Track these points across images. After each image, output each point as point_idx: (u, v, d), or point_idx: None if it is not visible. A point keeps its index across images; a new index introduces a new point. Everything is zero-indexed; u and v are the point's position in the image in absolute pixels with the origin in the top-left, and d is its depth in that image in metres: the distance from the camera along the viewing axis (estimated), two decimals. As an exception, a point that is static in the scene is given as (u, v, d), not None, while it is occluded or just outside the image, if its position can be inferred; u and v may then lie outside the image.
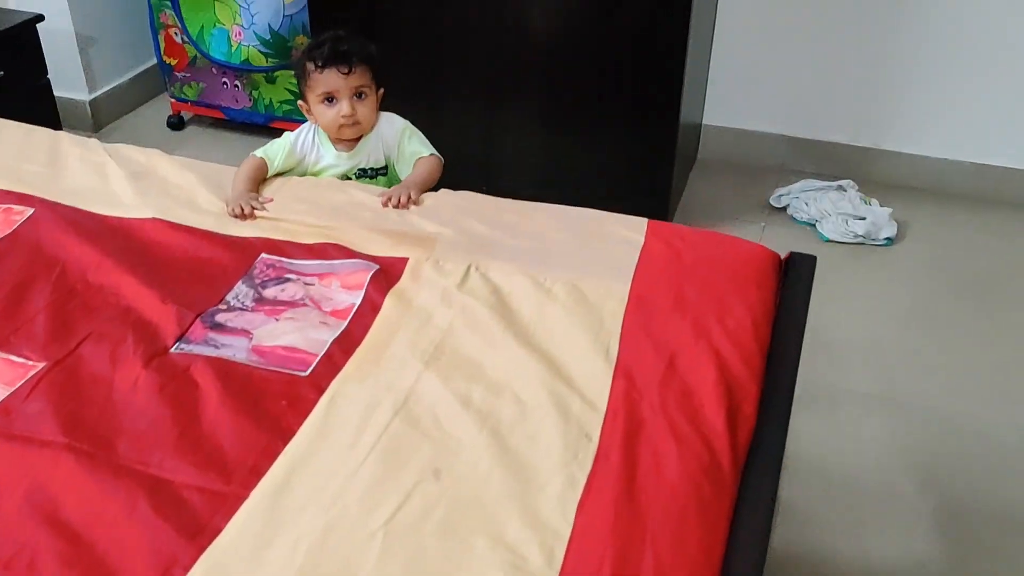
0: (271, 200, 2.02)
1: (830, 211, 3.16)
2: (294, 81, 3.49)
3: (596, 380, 1.49)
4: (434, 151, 2.18)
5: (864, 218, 3.11)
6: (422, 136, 2.22)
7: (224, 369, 1.54)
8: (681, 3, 2.69)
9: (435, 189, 2.10)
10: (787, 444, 1.43)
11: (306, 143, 2.20)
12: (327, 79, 2.08)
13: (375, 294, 1.72)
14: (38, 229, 1.96)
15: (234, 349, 1.60)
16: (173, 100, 3.71)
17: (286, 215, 1.97)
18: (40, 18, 3.00)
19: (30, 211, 2.02)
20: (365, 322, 1.66)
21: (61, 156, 2.22)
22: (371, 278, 1.76)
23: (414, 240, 1.87)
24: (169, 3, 3.45)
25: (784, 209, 3.28)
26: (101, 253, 1.86)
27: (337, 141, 2.19)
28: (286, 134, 2.22)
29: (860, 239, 3.09)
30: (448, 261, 1.81)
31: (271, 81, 3.49)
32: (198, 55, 3.51)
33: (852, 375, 2.55)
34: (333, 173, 2.19)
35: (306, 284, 1.78)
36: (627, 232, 1.88)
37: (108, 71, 3.73)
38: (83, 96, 3.67)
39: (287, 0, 3.29)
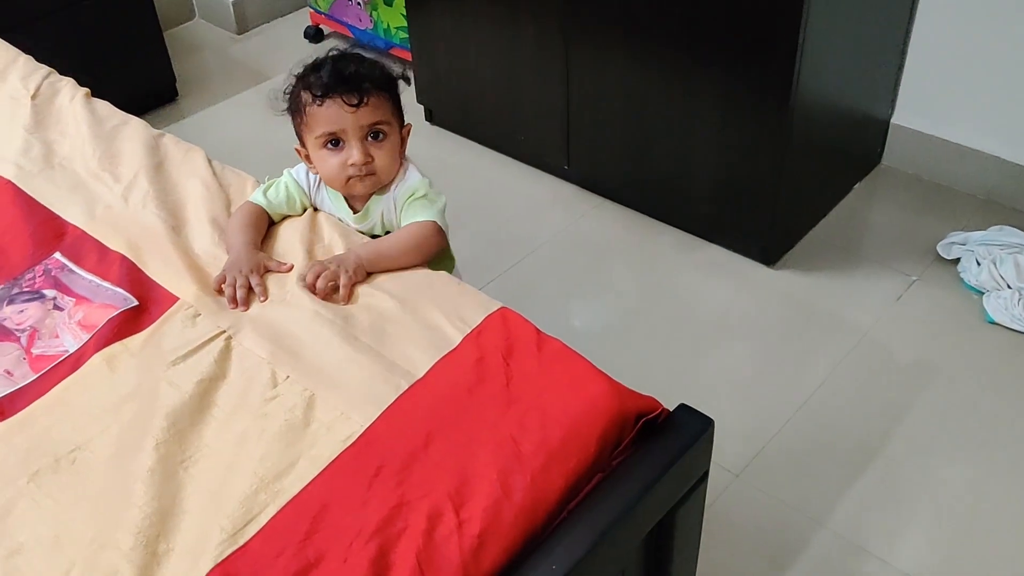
0: (290, 267, 1.48)
1: (1010, 282, 2.23)
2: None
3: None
4: (435, 218, 1.52)
5: (1055, 303, 2.17)
6: (434, 198, 1.55)
7: None
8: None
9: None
10: None
11: (312, 184, 1.61)
12: (329, 115, 1.47)
13: (93, 345, 1.36)
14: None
15: None
16: (311, 11, 3.46)
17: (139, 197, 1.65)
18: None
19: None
20: (49, 383, 1.31)
21: (6, 90, 2.03)
22: (111, 319, 1.40)
23: (202, 277, 1.46)
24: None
25: (956, 263, 2.38)
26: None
27: (348, 196, 1.60)
28: (286, 172, 1.63)
29: (1039, 332, 2.16)
30: (209, 315, 1.39)
31: (388, 3, 3.11)
32: (327, -37, 3.21)
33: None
34: None
35: (55, 308, 1.46)
36: (449, 324, 1.33)
37: (254, -28, 3.55)
38: (227, -2, 3.53)
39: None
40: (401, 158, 1.57)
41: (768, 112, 2.16)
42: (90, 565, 1.05)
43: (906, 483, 1.88)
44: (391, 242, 1.50)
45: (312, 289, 1.40)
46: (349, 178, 1.52)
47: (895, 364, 2.15)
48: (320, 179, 1.60)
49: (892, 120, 2.69)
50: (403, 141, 1.57)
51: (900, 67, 2.57)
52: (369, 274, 1.44)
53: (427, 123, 3.00)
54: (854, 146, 2.62)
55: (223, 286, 1.42)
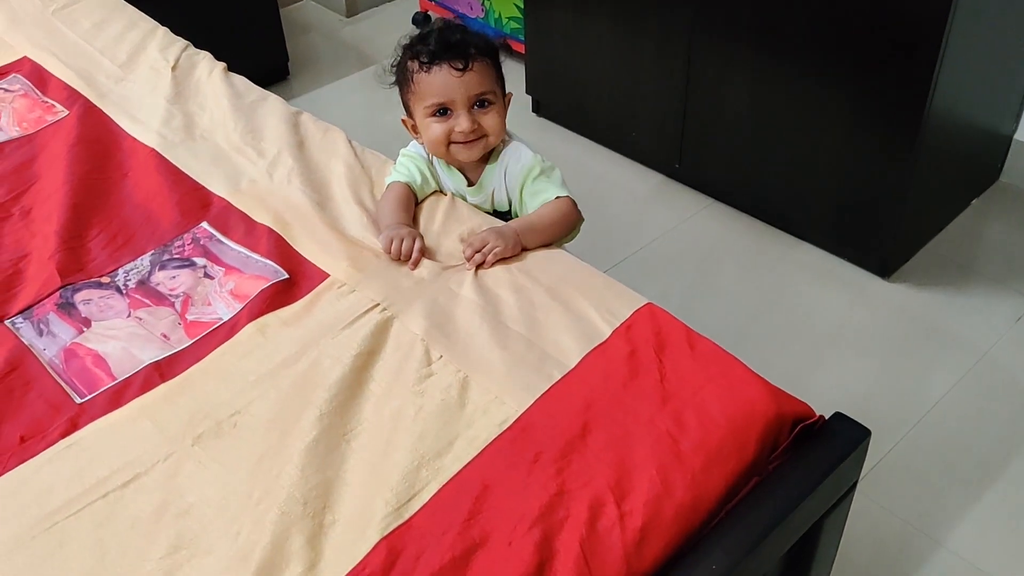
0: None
1: None
2: (524, -5, 3.09)
3: (348, 549, 1.05)
4: (568, 192, 1.56)
5: None
6: (550, 172, 1.59)
7: (13, 362, 1.32)
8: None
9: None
10: None
11: (428, 155, 1.64)
12: (436, 82, 1.50)
13: (246, 315, 1.39)
14: (52, 136, 1.86)
15: (51, 342, 1.37)
16: (421, -3, 3.49)
17: (284, 173, 1.68)
18: None
19: (64, 114, 1.92)
20: (205, 349, 1.34)
21: (146, 61, 2.08)
22: (263, 290, 1.42)
23: (352, 254, 1.48)
24: None
25: (1082, 287, 2.32)
26: (69, 176, 1.71)
27: (460, 168, 1.63)
28: (402, 152, 1.67)
29: None
30: (364, 290, 1.40)
31: (502, -7, 3.12)
32: (442, -48, 3.22)
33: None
34: None
35: (206, 276, 1.49)
36: (598, 315, 1.33)
37: (367, -43, 3.58)
38: (338, -20, 3.57)
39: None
40: (504, 126, 1.59)
41: (901, 122, 2.11)
42: (258, 528, 1.07)
43: (1031, 508, 1.83)
44: (539, 217, 1.54)
45: (469, 259, 1.44)
46: (451, 143, 1.55)
47: (1017, 386, 2.09)
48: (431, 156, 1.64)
49: (1015, 136, 2.62)
50: (506, 109, 1.59)
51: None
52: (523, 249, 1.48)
53: (534, 114, 3.00)
54: (975, 160, 2.56)
55: (391, 246, 1.45)
